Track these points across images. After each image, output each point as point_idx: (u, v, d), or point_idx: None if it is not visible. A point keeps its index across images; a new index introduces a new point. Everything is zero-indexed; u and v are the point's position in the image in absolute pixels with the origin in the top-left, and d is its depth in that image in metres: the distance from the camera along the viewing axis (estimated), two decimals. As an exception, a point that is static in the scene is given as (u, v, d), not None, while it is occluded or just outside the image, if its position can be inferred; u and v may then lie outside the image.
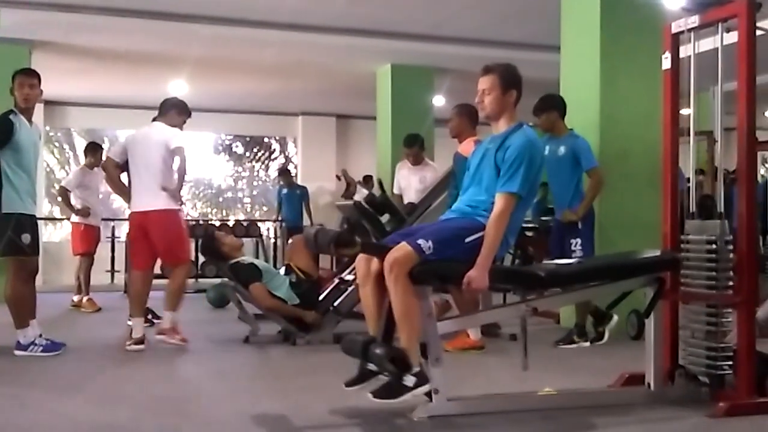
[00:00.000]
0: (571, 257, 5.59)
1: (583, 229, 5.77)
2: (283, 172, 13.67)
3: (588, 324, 5.93)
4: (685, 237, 4.07)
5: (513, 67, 3.93)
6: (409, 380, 3.47)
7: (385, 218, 6.06)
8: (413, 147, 7.64)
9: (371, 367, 3.59)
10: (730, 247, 3.89)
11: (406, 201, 7.16)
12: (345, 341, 3.87)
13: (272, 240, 13.01)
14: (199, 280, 10.47)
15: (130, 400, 4.13)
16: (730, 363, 3.90)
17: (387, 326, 3.66)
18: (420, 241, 3.54)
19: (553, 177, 6.00)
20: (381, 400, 3.47)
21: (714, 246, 3.88)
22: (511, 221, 3.72)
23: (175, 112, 5.93)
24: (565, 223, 5.83)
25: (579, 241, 5.73)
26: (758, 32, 3.90)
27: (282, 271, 6.39)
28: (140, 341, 5.60)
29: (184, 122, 6.00)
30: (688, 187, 4.28)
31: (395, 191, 7.69)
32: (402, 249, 3.52)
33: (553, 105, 6.00)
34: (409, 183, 7.59)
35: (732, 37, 3.92)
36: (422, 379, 3.50)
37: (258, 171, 19.03)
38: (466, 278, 3.59)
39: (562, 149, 5.88)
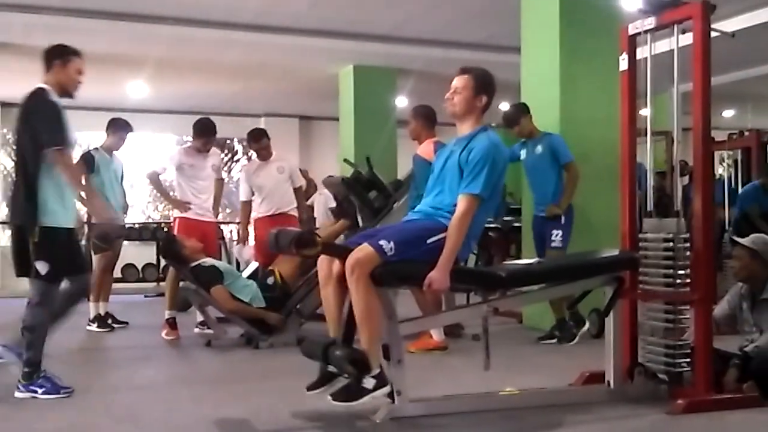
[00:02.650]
0: (551, 247, 5.85)
1: (565, 223, 5.96)
2: None
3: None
4: (643, 235, 4.13)
5: (490, 74, 3.95)
6: (369, 382, 3.46)
7: (372, 195, 6.18)
8: (261, 141, 6.92)
9: (332, 369, 3.58)
10: (687, 244, 3.94)
11: (260, 199, 6.84)
12: (305, 344, 3.85)
13: (235, 242, 12.90)
14: (161, 283, 10.36)
15: (89, 406, 4.07)
16: (689, 360, 3.96)
17: (348, 328, 3.65)
18: (381, 242, 3.54)
19: (533, 176, 6.20)
20: (341, 403, 3.45)
21: (671, 244, 3.94)
22: (473, 223, 3.73)
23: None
24: (549, 217, 5.97)
25: (560, 232, 5.91)
26: (713, 34, 3.96)
27: (247, 273, 6.35)
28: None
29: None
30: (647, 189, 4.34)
31: (244, 198, 6.98)
32: (363, 250, 3.52)
33: (523, 112, 6.18)
34: (265, 180, 6.89)
35: (688, 39, 3.98)
36: (382, 381, 3.49)
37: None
38: (427, 279, 3.59)
39: (539, 148, 6.06)
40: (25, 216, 4.13)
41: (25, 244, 4.13)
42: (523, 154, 6.22)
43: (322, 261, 3.71)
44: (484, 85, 3.89)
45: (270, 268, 6.29)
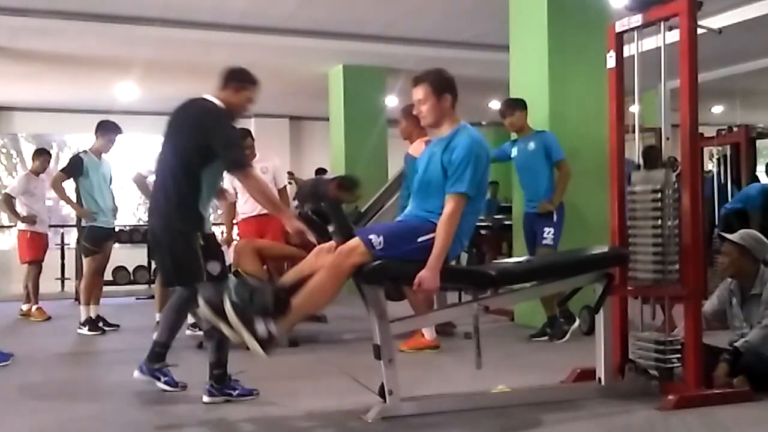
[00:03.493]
0: (542, 244, 5.87)
1: (557, 221, 5.98)
2: None
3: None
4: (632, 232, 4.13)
5: (441, 71, 3.92)
6: (260, 326, 3.33)
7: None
8: (245, 141, 6.70)
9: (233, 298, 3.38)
10: (677, 240, 3.95)
11: (244, 199, 6.77)
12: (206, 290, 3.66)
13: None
14: (152, 286, 10.32)
15: (77, 409, 4.07)
16: (679, 356, 3.97)
17: (294, 286, 3.56)
18: (371, 236, 3.55)
19: (525, 172, 6.21)
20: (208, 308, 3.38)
21: (660, 240, 3.95)
22: (463, 222, 3.72)
23: None
24: (541, 214, 5.98)
25: (552, 230, 5.93)
26: (700, 30, 3.97)
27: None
28: None
29: None
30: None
31: (229, 199, 6.84)
32: (353, 241, 3.54)
33: (520, 106, 6.20)
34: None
35: (675, 36, 3.99)
36: (270, 340, 3.35)
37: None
38: (417, 278, 3.59)
39: (532, 144, 6.08)
40: (193, 222, 4.08)
41: (191, 250, 4.05)
42: (514, 152, 6.23)
43: (312, 254, 3.71)
44: (441, 85, 3.87)
45: (234, 269, 6.24)
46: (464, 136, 3.78)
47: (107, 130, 6.99)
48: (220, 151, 4.01)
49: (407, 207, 4.03)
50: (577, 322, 5.93)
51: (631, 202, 4.14)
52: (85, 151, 6.99)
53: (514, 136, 6.36)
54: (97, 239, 6.91)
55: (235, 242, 7.11)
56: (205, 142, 4.03)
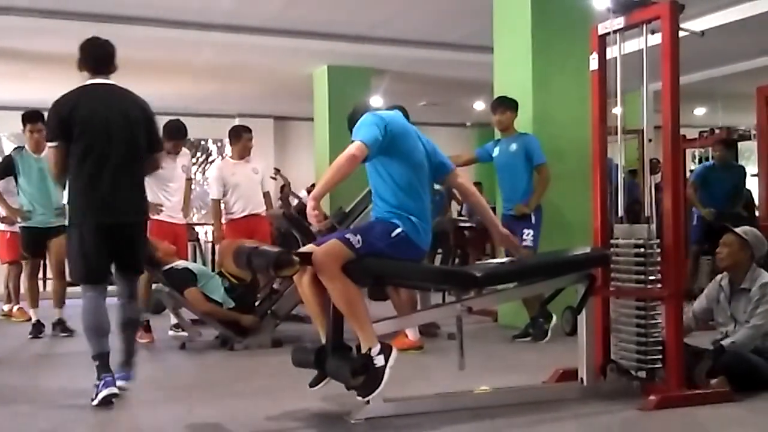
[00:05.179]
0: (522, 246, 5.75)
1: (536, 222, 6.03)
2: None
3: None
4: (615, 241, 4.15)
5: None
6: (379, 359, 3.49)
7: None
8: (245, 135, 7.05)
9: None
10: (658, 249, 3.98)
11: (234, 199, 6.83)
12: (295, 353, 3.86)
13: (209, 244, 12.83)
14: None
15: (60, 409, 4.04)
16: (660, 357, 3.99)
17: (335, 325, 3.67)
18: (348, 236, 3.60)
19: (505, 173, 6.25)
20: (369, 395, 3.51)
21: (642, 250, 3.98)
22: (420, 209, 3.75)
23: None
24: (518, 216, 6.01)
25: (531, 232, 5.98)
26: (682, 33, 4.00)
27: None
28: None
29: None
30: (618, 184, 4.37)
31: (216, 196, 6.93)
32: (330, 244, 3.57)
33: (512, 107, 6.25)
34: (241, 179, 6.89)
35: (658, 38, 4.01)
36: (387, 349, 3.54)
37: (195, 174, 18.78)
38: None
39: (513, 146, 6.13)
40: (143, 212, 4.34)
41: (144, 239, 4.34)
42: (496, 151, 6.27)
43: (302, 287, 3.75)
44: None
45: (217, 270, 6.23)
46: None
47: (23, 122, 6.76)
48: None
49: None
50: (555, 320, 5.93)
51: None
52: (18, 149, 6.83)
53: (497, 135, 6.39)
54: (29, 241, 6.71)
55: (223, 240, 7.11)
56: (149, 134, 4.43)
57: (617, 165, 4.56)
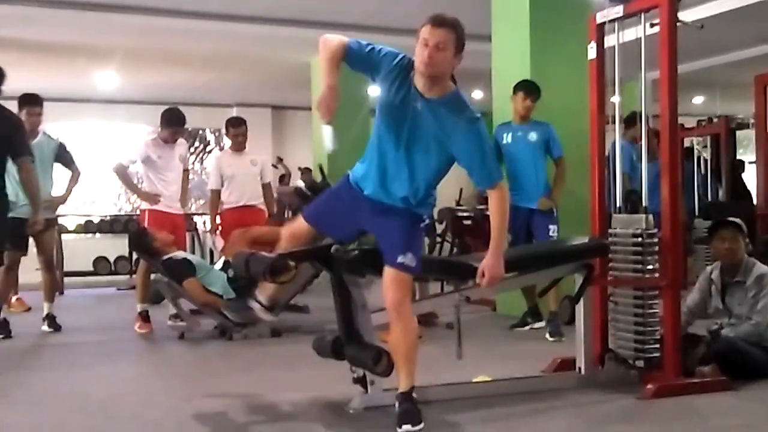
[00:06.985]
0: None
1: (557, 215, 5.90)
2: None
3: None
4: (612, 231, 4.15)
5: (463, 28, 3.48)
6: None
7: None
8: (240, 127, 7.03)
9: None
10: (656, 239, 3.98)
11: (230, 189, 6.85)
12: (315, 341, 3.84)
13: (207, 234, 12.84)
14: (133, 276, 10.28)
15: (60, 401, 4.04)
16: (658, 345, 4.00)
17: (344, 315, 3.65)
18: (401, 260, 3.33)
19: (521, 163, 5.94)
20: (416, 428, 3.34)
21: (639, 239, 3.97)
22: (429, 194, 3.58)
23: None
24: (542, 211, 5.85)
25: (556, 227, 5.85)
26: (681, 26, 3.99)
27: (219, 264, 6.31)
28: None
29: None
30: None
31: (215, 186, 6.96)
32: (396, 278, 3.33)
33: (534, 92, 6.00)
34: (237, 170, 6.91)
35: (655, 27, 4.01)
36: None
37: (193, 163, 18.75)
38: (481, 268, 3.40)
39: (533, 135, 5.93)
40: None
41: None
42: (507, 137, 6.00)
43: (286, 239, 3.67)
44: (461, 43, 3.49)
45: (224, 258, 6.22)
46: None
47: (21, 104, 6.58)
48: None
49: None
50: (543, 323, 5.91)
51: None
52: None
53: (499, 120, 6.28)
54: (11, 232, 5.75)
55: (219, 231, 7.13)
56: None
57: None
